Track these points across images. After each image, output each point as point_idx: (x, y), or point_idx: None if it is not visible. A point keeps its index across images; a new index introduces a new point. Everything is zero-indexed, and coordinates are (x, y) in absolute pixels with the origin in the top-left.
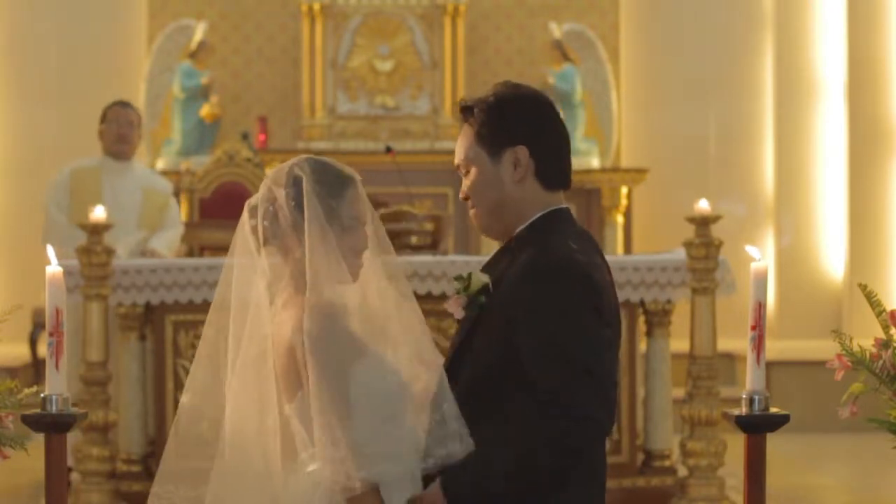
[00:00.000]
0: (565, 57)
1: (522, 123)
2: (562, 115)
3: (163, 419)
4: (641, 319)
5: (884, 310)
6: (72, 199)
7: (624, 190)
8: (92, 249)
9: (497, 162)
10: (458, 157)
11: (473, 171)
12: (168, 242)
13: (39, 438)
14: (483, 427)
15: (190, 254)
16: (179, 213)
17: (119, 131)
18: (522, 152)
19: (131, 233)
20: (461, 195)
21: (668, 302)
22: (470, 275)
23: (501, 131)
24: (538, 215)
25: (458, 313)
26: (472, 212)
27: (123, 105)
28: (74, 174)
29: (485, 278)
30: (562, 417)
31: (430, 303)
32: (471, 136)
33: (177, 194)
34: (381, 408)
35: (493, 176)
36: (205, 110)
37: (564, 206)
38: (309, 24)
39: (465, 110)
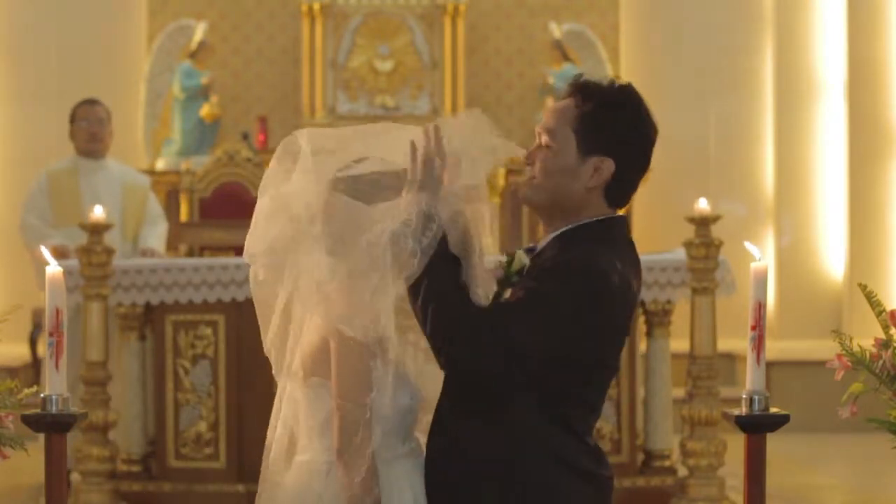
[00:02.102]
0: (565, 57)
1: (626, 140)
2: None
3: (163, 419)
4: (641, 319)
5: (884, 310)
6: (51, 203)
7: None
8: (92, 249)
9: (582, 159)
10: (547, 124)
11: (555, 149)
12: (161, 239)
13: (39, 438)
14: (481, 407)
15: (190, 254)
16: (159, 204)
17: (91, 130)
18: (609, 166)
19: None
20: (526, 156)
21: (668, 302)
22: (515, 253)
23: (603, 135)
24: (593, 220)
25: (491, 283)
26: (526, 179)
27: (92, 103)
28: (51, 177)
29: (525, 260)
30: (484, 324)
31: None
32: (571, 119)
33: (177, 194)
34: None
35: (570, 167)
36: (205, 110)
37: (622, 215)
38: (309, 24)
39: (582, 89)
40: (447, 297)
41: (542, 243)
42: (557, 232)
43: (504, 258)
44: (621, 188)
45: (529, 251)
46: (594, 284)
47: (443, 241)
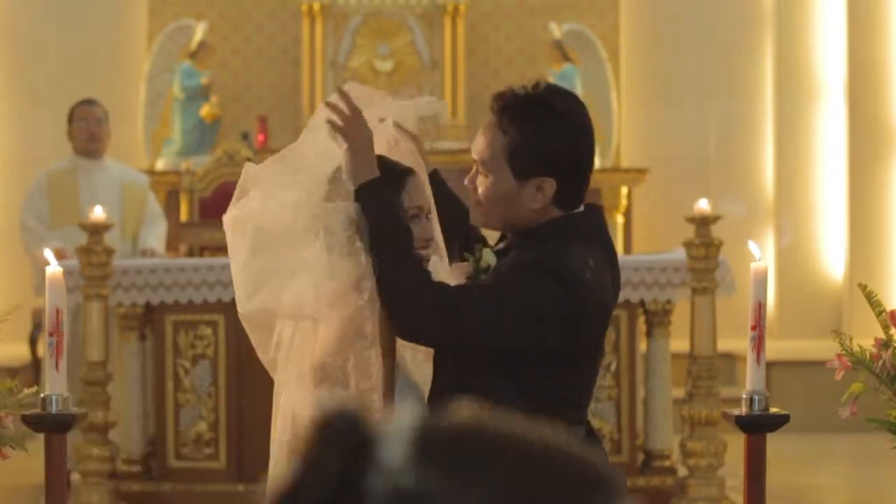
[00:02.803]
0: (565, 57)
1: (560, 156)
2: None
3: (163, 419)
4: (641, 319)
5: (884, 310)
6: (50, 203)
7: (624, 190)
8: (92, 249)
9: (521, 183)
10: (479, 154)
11: (491, 180)
12: (160, 239)
13: (39, 438)
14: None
15: (190, 254)
16: (158, 204)
17: (89, 130)
18: (550, 185)
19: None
20: (468, 182)
21: (668, 302)
22: (483, 250)
23: (536, 159)
24: (558, 215)
25: (459, 279)
26: (473, 204)
27: (90, 103)
28: (50, 178)
29: (492, 258)
30: (441, 299)
31: None
32: (500, 146)
33: (177, 194)
34: None
35: (512, 194)
36: (205, 110)
37: (591, 205)
38: (309, 24)
39: (503, 109)
40: (403, 264)
41: (507, 242)
42: (523, 231)
43: (470, 256)
44: (572, 194)
45: (497, 253)
46: (564, 281)
47: (391, 213)
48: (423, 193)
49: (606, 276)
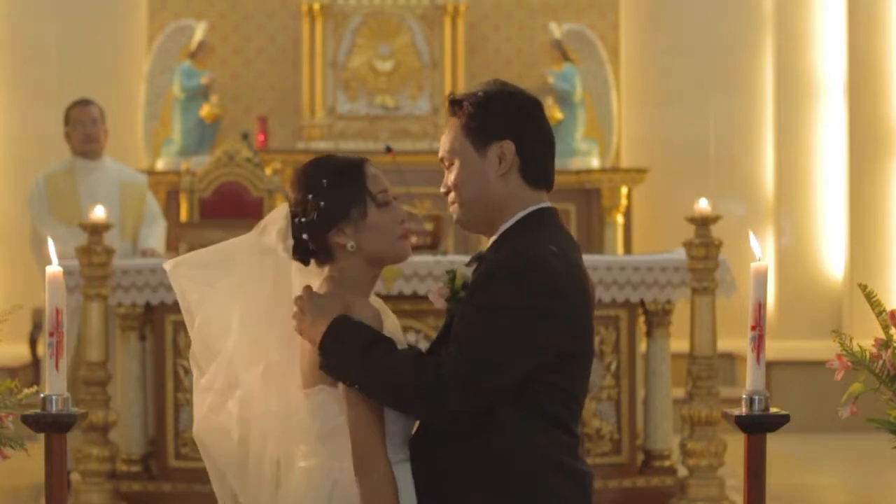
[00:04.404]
0: (565, 57)
1: (511, 119)
2: (562, 115)
3: (163, 419)
4: (641, 319)
5: (884, 310)
6: (50, 204)
7: (624, 190)
8: (92, 249)
9: (483, 155)
10: (443, 150)
11: (457, 163)
12: (160, 239)
13: (39, 438)
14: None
15: None
16: (157, 203)
17: (85, 131)
18: (508, 147)
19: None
20: (442, 188)
21: (668, 302)
22: (455, 270)
23: (489, 125)
24: (522, 214)
25: (439, 304)
26: (452, 206)
27: (85, 104)
28: (48, 180)
29: (468, 273)
30: (434, 377)
31: (428, 303)
32: (457, 129)
33: (177, 194)
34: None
35: (477, 169)
36: (205, 110)
37: (549, 205)
38: (309, 24)
39: (454, 104)
40: (387, 364)
41: (483, 251)
42: (496, 235)
43: (445, 276)
44: (534, 163)
45: (475, 258)
46: (535, 275)
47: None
48: (382, 179)
49: (576, 258)
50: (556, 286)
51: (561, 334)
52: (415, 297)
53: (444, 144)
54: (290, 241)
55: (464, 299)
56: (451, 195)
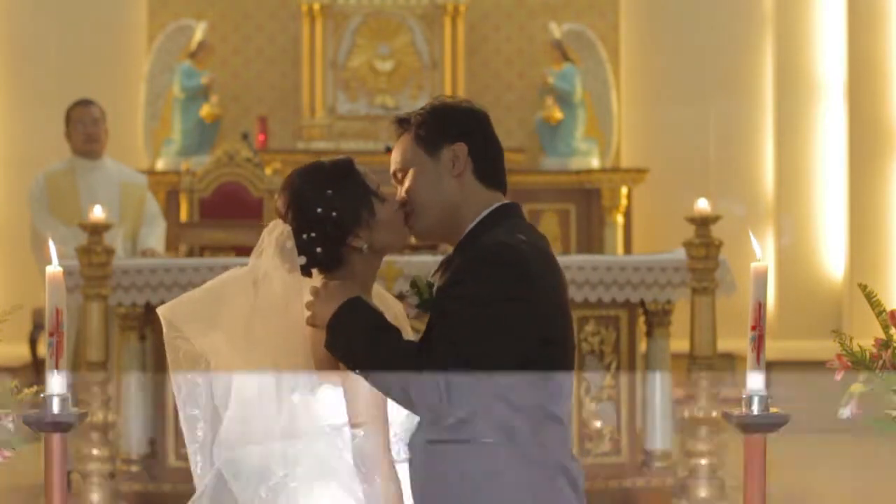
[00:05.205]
0: (565, 57)
1: (461, 123)
2: (562, 115)
3: (163, 419)
4: (641, 319)
5: (884, 310)
6: (50, 204)
7: (624, 190)
8: (92, 249)
9: (436, 159)
10: (395, 164)
11: (412, 172)
12: (160, 239)
13: (39, 438)
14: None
15: (190, 254)
16: (157, 203)
17: (86, 131)
18: (461, 148)
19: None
20: (398, 199)
21: (668, 302)
22: (415, 280)
23: (440, 129)
24: (486, 212)
25: (413, 313)
26: (409, 218)
27: (86, 103)
28: (49, 179)
29: (429, 279)
30: (425, 367)
31: None
32: (407, 141)
33: (177, 194)
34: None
35: (431, 173)
36: (205, 110)
37: (510, 201)
38: (309, 24)
39: (401, 122)
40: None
41: (449, 253)
42: (462, 237)
43: (409, 291)
44: (487, 165)
45: (441, 264)
46: (509, 263)
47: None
48: (369, 172)
49: (544, 246)
50: (529, 273)
51: (541, 319)
52: None
53: (394, 158)
54: (301, 259)
55: (439, 295)
56: (408, 205)
